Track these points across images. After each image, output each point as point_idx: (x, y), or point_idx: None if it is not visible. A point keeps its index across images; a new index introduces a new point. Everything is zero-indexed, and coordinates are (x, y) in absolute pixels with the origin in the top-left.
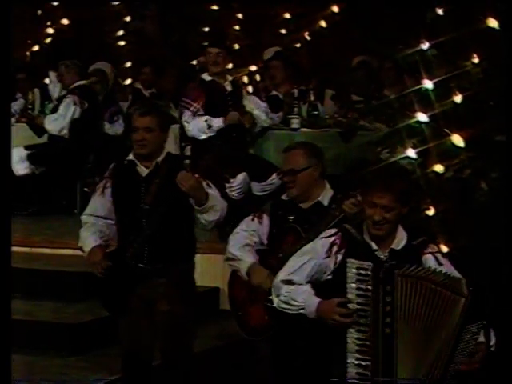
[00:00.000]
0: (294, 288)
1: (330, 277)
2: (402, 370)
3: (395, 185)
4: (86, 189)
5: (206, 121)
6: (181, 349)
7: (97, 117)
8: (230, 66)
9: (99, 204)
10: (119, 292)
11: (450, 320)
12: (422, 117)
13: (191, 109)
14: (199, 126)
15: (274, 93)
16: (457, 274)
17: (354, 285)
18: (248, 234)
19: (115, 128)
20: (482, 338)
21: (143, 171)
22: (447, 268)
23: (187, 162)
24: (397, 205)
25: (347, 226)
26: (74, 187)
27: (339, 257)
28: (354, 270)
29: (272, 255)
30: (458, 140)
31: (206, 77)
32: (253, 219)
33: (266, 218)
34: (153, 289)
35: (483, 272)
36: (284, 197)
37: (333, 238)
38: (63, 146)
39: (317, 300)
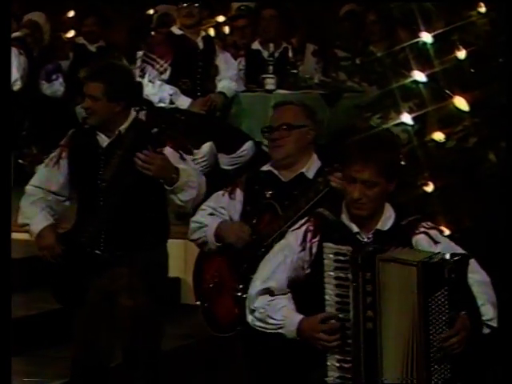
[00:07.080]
0: (273, 302)
1: (308, 271)
2: (388, 370)
3: (377, 155)
4: (20, 160)
5: (171, 95)
6: (147, 350)
7: (32, 75)
8: None
9: (51, 176)
10: (73, 281)
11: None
12: (419, 76)
13: (157, 67)
14: (162, 96)
15: (257, 46)
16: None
17: (332, 273)
18: (215, 211)
19: (54, 88)
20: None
21: (103, 141)
22: (445, 246)
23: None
24: (380, 180)
25: (320, 209)
26: None
27: (314, 245)
28: (331, 256)
29: None
30: (461, 103)
31: (176, 30)
32: (223, 194)
33: (239, 193)
34: (112, 280)
35: (490, 255)
36: (265, 167)
37: (305, 226)
38: None
39: (298, 317)
